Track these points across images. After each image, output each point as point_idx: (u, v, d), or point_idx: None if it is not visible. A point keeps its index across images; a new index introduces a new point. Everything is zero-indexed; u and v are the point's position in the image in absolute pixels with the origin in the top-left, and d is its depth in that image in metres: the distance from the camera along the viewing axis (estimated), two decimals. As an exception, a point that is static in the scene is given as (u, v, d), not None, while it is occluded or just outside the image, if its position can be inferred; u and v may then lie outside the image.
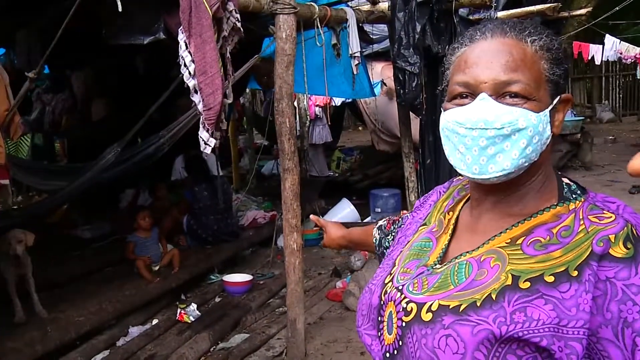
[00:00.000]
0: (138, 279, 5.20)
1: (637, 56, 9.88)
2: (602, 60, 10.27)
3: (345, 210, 7.50)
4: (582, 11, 8.65)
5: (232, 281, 5.38)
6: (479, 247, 1.02)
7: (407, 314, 0.99)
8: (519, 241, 0.98)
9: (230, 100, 3.33)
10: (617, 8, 10.94)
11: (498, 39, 0.99)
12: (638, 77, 11.75)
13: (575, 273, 0.88)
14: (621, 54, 9.85)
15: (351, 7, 5.12)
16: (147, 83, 7.31)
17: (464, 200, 1.16)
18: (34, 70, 4.02)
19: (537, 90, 0.97)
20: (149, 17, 3.51)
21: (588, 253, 0.89)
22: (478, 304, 0.92)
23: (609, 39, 9.92)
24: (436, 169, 5.87)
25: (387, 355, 1.02)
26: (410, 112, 6.06)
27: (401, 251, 1.16)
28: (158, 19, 3.49)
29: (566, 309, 0.87)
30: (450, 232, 1.11)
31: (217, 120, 3.16)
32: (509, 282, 0.93)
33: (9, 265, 4.29)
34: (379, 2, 5.36)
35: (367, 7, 5.29)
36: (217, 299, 5.32)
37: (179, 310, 4.89)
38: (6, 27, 5.02)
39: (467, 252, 1.03)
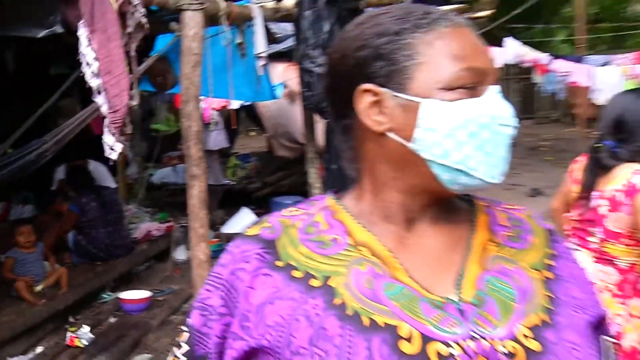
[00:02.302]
0: (18, 302, 5.01)
1: (534, 61, 10.68)
2: (503, 64, 11.03)
3: (246, 221, 7.56)
4: (484, 13, 9.28)
5: (129, 298, 5.32)
6: (467, 259, 0.96)
7: (513, 356, 0.87)
8: (494, 240, 0.99)
9: (136, 103, 3.35)
10: (517, 11, 11.80)
11: (465, 26, 0.94)
12: (534, 82, 12.66)
13: None
14: (521, 57, 10.61)
15: (255, 4, 5.24)
16: (20, 82, 7.04)
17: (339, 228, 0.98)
18: None
19: None
20: (43, 7, 3.44)
21: None
22: (551, 305, 0.94)
23: (509, 42, 10.66)
24: (342, 174, 6.08)
25: None
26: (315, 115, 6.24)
27: (353, 313, 0.88)
28: (54, 10, 3.43)
29: None
30: (397, 265, 0.93)
31: (123, 123, 3.17)
32: (537, 275, 0.98)
33: None
34: (283, -1, 5.52)
35: (271, 4, 5.42)
36: (113, 319, 5.24)
37: (68, 335, 4.77)
38: None
39: (463, 269, 0.95)
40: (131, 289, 5.67)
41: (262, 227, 0.99)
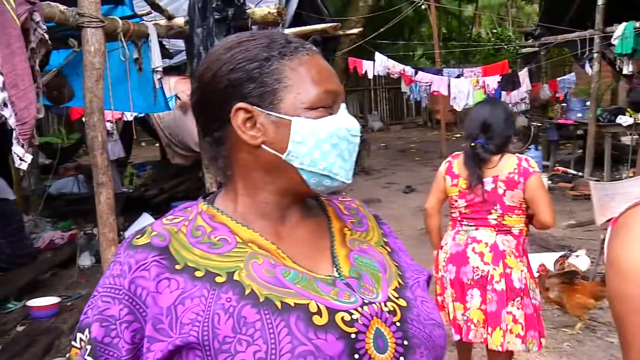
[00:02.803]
0: None
1: (402, 72, 11.15)
2: (373, 75, 11.42)
3: (147, 226, 7.39)
4: (355, 30, 9.61)
5: (38, 305, 5.06)
6: (334, 244, 1.07)
7: (394, 313, 0.99)
8: (346, 226, 1.12)
9: (41, 115, 3.22)
10: (382, 30, 12.31)
11: (318, 54, 1.04)
12: (402, 91, 13.23)
13: None
14: (389, 69, 11.04)
15: (148, 21, 5.17)
16: None
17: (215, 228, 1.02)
18: None
19: None
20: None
21: None
22: (400, 272, 1.10)
23: (378, 56, 11.07)
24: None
25: None
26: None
27: (264, 299, 0.93)
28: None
29: None
30: (283, 255, 1.01)
31: (32, 135, 3.05)
32: (383, 250, 1.13)
33: None
34: (175, 17, 5.48)
35: (164, 22, 5.36)
36: (20, 328, 4.95)
37: (-27, 347, 4.47)
38: None
39: (334, 252, 1.06)
40: (38, 297, 5.37)
41: (150, 236, 0.98)
